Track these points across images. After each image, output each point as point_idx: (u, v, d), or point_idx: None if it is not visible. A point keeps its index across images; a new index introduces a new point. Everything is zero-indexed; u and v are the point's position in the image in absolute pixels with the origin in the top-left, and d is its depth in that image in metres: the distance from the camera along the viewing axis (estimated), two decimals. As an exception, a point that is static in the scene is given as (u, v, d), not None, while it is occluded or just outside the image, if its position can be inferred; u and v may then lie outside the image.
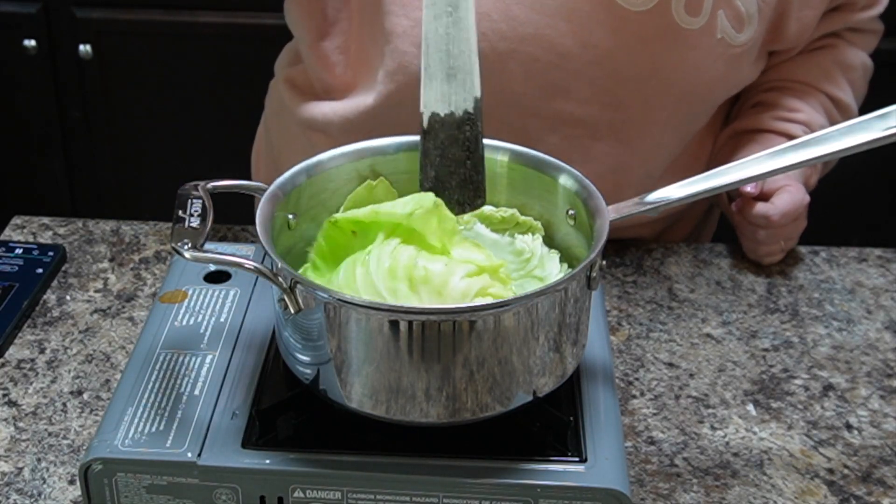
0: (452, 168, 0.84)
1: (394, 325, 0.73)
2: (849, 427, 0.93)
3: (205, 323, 0.90)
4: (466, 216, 0.88)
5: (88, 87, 2.02)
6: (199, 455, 0.77)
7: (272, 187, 0.83)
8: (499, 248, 0.86)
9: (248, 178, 0.86)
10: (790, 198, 1.09)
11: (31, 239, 1.14)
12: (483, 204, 0.87)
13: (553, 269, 0.85)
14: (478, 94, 0.83)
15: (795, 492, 0.86)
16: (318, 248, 0.84)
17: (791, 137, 1.12)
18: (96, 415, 0.92)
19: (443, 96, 0.83)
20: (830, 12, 1.15)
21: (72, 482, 0.85)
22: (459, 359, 0.74)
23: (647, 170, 1.13)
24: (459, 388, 0.75)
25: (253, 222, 0.80)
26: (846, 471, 0.89)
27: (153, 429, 0.79)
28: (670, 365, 0.99)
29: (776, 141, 1.13)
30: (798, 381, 0.98)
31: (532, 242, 0.86)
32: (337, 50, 1.15)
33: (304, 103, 1.18)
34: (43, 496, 0.84)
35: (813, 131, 1.13)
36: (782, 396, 0.96)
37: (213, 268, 0.96)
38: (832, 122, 1.17)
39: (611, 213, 0.81)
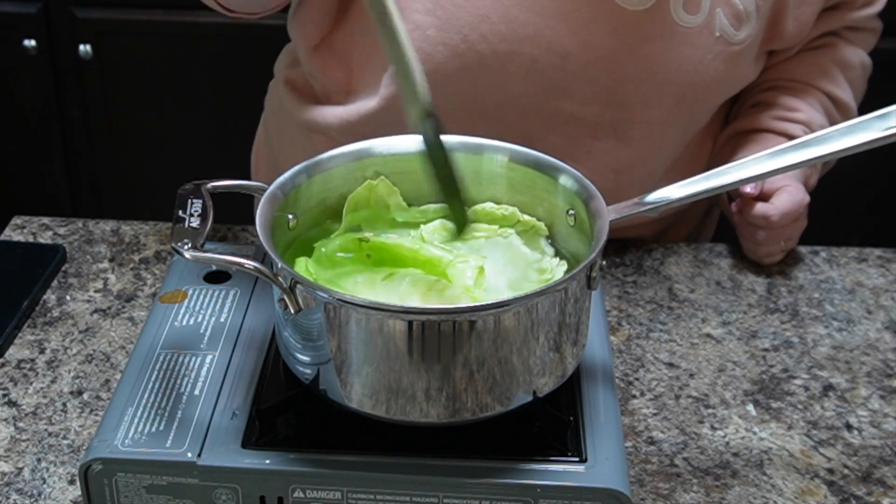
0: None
1: (394, 325, 0.73)
2: (849, 427, 0.93)
3: (205, 323, 0.90)
4: (504, 227, 0.88)
5: (88, 87, 2.02)
6: (199, 455, 0.77)
7: (272, 187, 0.83)
8: (525, 262, 0.86)
9: (248, 178, 0.87)
10: (790, 198, 1.09)
11: (31, 239, 1.14)
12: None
13: None
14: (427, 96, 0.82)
15: (795, 492, 0.86)
16: (328, 249, 0.85)
17: (791, 137, 1.12)
18: (96, 415, 0.92)
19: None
20: (828, 11, 1.15)
21: (72, 482, 0.85)
22: (459, 359, 0.74)
23: (647, 169, 1.13)
24: (459, 388, 0.75)
25: (253, 222, 0.80)
26: (846, 471, 0.89)
27: (153, 429, 0.79)
28: (670, 365, 0.99)
29: (776, 141, 1.13)
30: (798, 381, 0.98)
31: (556, 268, 0.86)
32: (338, 56, 1.15)
33: (305, 106, 1.18)
34: (43, 496, 0.84)
35: (812, 131, 1.12)
36: (782, 396, 0.96)
37: (213, 268, 0.96)
38: (832, 121, 1.17)
39: (611, 213, 0.81)
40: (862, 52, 1.21)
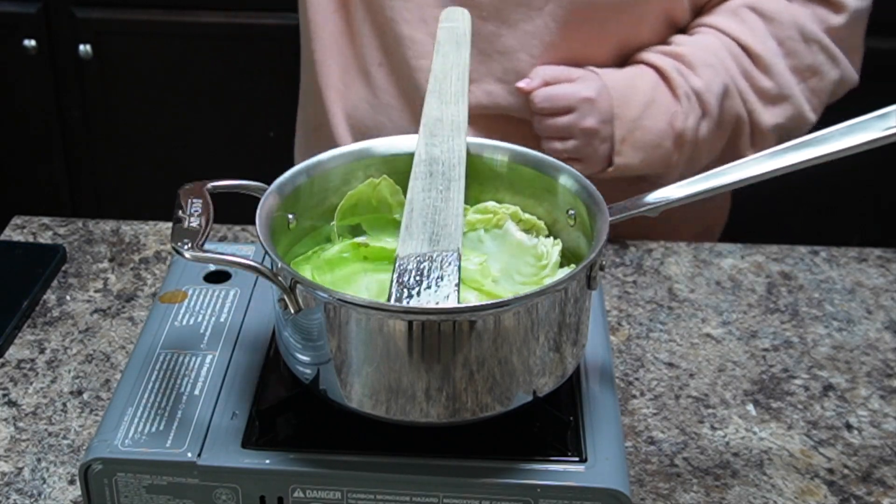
0: None
1: (394, 325, 0.73)
2: (849, 427, 0.93)
3: (205, 323, 0.90)
4: (500, 214, 0.88)
5: (88, 87, 2.02)
6: (199, 455, 0.77)
7: (272, 187, 0.83)
8: (521, 250, 0.86)
9: (248, 178, 0.87)
10: (563, 88, 1.08)
11: (31, 239, 1.14)
12: None
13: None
14: (458, 249, 0.80)
15: (795, 492, 0.86)
16: (327, 255, 0.85)
17: (654, 66, 1.12)
18: (96, 415, 0.92)
19: (422, 254, 0.80)
20: None
21: (72, 482, 0.85)
22: (459, 359, 0.74)
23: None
24: (459, 388, 0.75)
25: (253, 222, 0.80)
26: (846, 471, 0.89)
27: (153, 429, 0.79)
28: (670, 365, 0.99)
29: (647, 72, 1.13)
30: (798, 381, 0.98)
31: (551, 248, 0.86)
32: None
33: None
34: (43, 496, 0.84)
35: (689, 64, 1.10)
36: (782, 396, 0.96)
37: (213, 268, 0.96)
38: (742, 71, 1.14)
39: (611, 213, 0.81)
40: (801, 11, 1.15)
